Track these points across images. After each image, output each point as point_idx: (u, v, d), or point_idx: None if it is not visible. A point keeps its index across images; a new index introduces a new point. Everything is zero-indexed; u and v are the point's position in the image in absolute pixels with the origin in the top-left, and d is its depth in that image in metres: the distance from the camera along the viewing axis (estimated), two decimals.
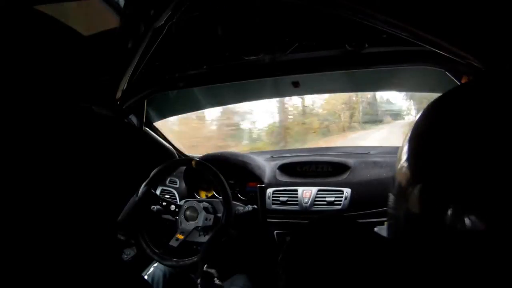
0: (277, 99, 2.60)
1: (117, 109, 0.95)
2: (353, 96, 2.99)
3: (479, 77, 0.47)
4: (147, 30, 0.65)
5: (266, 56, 0.90)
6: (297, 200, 1.13)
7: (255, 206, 1.15)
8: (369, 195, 1.07)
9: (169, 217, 1.13)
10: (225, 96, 1.42)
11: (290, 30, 0.82)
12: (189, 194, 1.30)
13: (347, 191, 1.09)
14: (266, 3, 0.74)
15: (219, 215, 1.10)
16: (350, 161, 1.18)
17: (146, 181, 1.06)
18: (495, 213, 0.26)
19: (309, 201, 1.11)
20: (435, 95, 0.36)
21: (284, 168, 1.25)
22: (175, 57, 0.94)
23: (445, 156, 0.30)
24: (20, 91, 0.59)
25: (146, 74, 0.91)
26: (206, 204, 1.12)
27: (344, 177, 1.15)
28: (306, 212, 1.11)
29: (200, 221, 1.08)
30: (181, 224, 1.10)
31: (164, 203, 1.11)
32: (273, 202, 1.16)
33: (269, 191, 1.18)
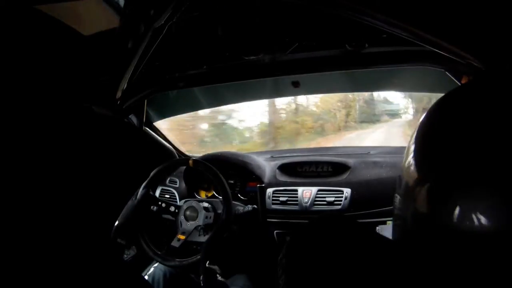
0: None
1: (117, 109, 0.95)
2: (349, 94, 2.91)
3: (482, 76, 0.47)
4: (147, 30, 0.65)
5: (266, 56, 0.90)
6: (297, 200, 1.13)
7: (255, 206, 1.15)
8: (369, 195, 1.07)
9: (169, 217, 1.13)
10: (225, 96, 1.42)
11: (290, 30, 0.82)
12: (189, 194, 1.30)
13: (347, 191, 1.09)
14: (266, 3, 0.74)
15: (220, 211, 1.10)
16: (350, 161, 1.18)
17: (144, 183, 1.05)
18: (507, 212, 0.26)
19: (309, 201, 1.11)
20: (435, 95, 0.36)
21: (284, 168, 1.25)
22: (175, 57, 0.94)
23: (452, 155, 0.30)
24: (20, 91, 0.59)
25: (146, 74, 0.91)
26: (206, 204, 1.12)
27: (344, 177, 1.15)
28: (306, 212, 1.11)
29: (200, 221, 1.08)
30: (181, 225, 1.10)
31: (163, 205, 1.11)
32: (273, 202, 1.16)
33: (269, 191, 1.18)
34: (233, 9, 0.76)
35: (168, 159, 1.32)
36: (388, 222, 0.98)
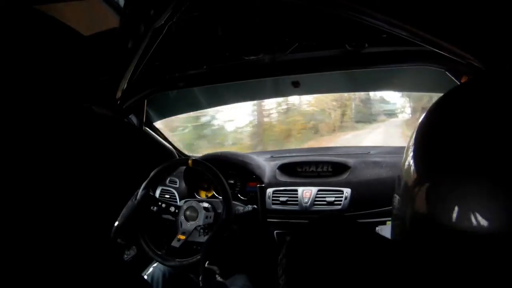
0: None
1: (117, 109, 0.95)
2: (345, 93, 2.67)
3: (479, 76, 0.47)
4: (147, 30, 0.65)
5: (266, 56, 0.90)
6: (297, 200, 1.13)
7: (255, 206, 1.15)
8: (369, 195, 1.07)
9: (169, 217, 1.13)
10: (225, 96, 1.42)
11: (290, 30, 0.82)
12: (189, 194, 1.30)
13: (347, 191, 1.09)
14: (266, 3, 0.74)
15: (220, 211, 1.10)
16: (350, 161, 1.18)
17: (144, 183, 1.05)
18: (506, 211, 0.26)
19: (309, 201, 1.11)
20: (435, 94, 0.36)
21: (284, 168, 1.25)
22: (175, 57, 0.94)
23: (451, 155, 0.30)
24: (19, 91, 0.59)
25: (146, 74, 0.91)
26: (206, 204, 1.12)
27: (344, 177, 1.15)
28: (306, 212, 1.11)
29: (200, 221, 1.08)
30: (181, 225, 1.10)
31: (163, 205, 1.11)
32: (273, 202, 1.16)
33: (269, 191, 1.18)
34: (233, 9, 0.76)
35: (168, 159, 1.32)
36: (388, 222, 0.98)
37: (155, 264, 1.12)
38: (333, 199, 1.10)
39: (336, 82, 1.26)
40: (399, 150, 1.25)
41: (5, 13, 0.57)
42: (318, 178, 1.19)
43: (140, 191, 1.04)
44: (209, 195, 1.31)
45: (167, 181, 1.35)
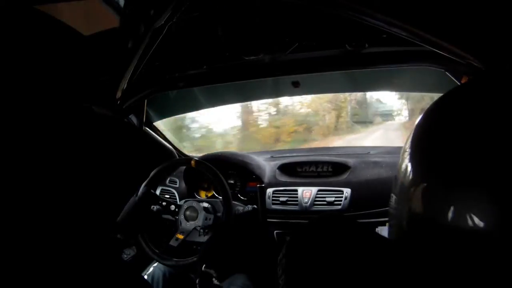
0: None
1: (117, 109, 0.95)
2: (340, 94, 2.51)
3: (479, 76, 0.47)
4: (147, 30, 0.65)
5: (266, 56, 0.90)
6: (297, 200, 1.13)
7: (255, 206, 1.15)
8: (369, 195, 1.07)
9: (169, 217, 1.13)
10: (225, 96, 1.42)
11: (290, 30, 0.82)
12: (189, 194, 1.30)
13: (347, 191, 1.09)
14: (266, 3, 0.74)
15: (219, 214, 1.10)
16: (350, 161, 1.18)
17: (145, 181, 1.06)
18: (500, 212, 0.26)
19: (309, 201, 1.11)
20: (435, 95, 0.36)
21: (284, 168, 1.25)
22: (175, 57, 0.94)
23: (448, 156, 0.30)
24: (19, 91, 0.59)
25: (146, 74, 0.91)
26: (206, 204, 1.12)
27: (344, 177, 1.15)
28: (306, 212, 1.11)
29: (200, 221, 1.08)
30: (181, 224, 1.10)
31: (164, 203, 1.11)
32: (273, 202, 1.16)
33: (269, 191, 1.18)
34: (233, 9, 0.76)
35: (168, 159, 1.32)
36: (387, 223, 0.98)
37: (155, 264, 1.13)
38: (333, 199, 1.10)
39: (336, 82, 1.26)
40: (399, 150, 1.24)
41: (5, 13, 0.57)
42: (318, 178, 1.19)
43: (141, 188, 1.04)
44: (209, 195, 1.31)
45: (167, 181, 1.36)
